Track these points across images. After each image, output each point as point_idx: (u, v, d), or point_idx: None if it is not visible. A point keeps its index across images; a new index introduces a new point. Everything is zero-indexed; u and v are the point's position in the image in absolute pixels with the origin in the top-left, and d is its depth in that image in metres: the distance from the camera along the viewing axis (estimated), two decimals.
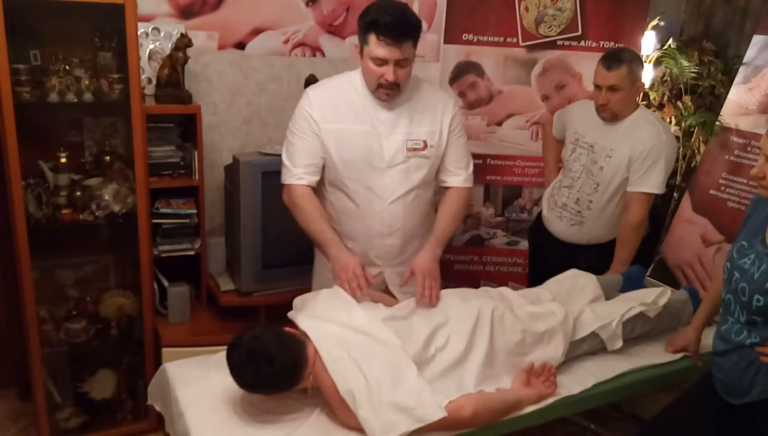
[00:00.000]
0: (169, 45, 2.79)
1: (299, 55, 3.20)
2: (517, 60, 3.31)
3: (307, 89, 2.18)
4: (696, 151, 3.30)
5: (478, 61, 3.32)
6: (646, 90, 3.34)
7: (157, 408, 2.04)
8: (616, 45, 3.15)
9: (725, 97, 3.11)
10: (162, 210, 2.76)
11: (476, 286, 2.45)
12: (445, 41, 3.31)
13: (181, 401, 1.85)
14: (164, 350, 2.65)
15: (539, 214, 2.94)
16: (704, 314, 2.16)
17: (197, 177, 2.77)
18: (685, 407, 1.93)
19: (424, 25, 3.37)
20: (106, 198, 2.50)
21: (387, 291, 2.26)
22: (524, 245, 3.41)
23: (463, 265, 3.57)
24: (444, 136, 2.20)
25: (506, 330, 2.01)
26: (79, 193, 2.50)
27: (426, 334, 1.91)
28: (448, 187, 2.29)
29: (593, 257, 2.65)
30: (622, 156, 2.53)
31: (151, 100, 2.75)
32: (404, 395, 1.72)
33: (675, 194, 3.32)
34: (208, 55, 3.00)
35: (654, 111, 3.26)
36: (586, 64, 3.13)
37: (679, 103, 3.33)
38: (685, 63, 3.23)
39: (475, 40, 3.28)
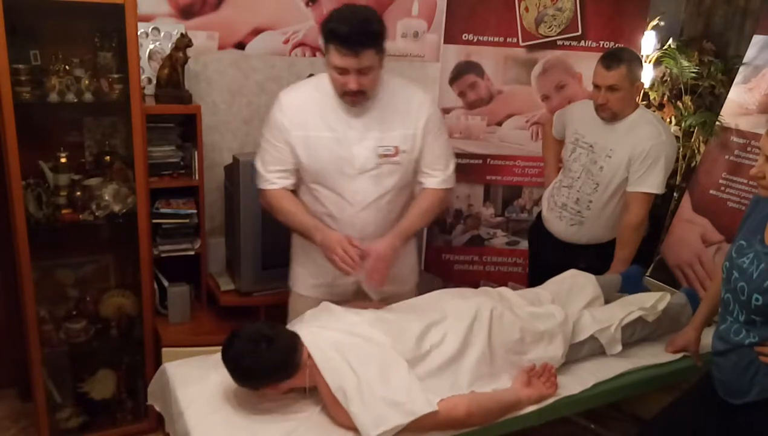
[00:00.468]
0: (169, 45, 2.79)
1: (299, 55, 3.19)
2: (517, 60, 3.32)
3: (280, 93, 2.15)
4: (696, 151, 3.30)
5: (478, 61, 3.32)
6: (646, 90, 3.34)
7: (157, 408, 2.05)
8: (616, 45, 3.15)
9: (725, 97, 3.11)
10: (162, 210, 2.76)
11: (476, 286, 2.46)
12: (445, 41, 3.31)
13: (181, 401, 1.85)
14: (164, 350, 2.66)
15: (539, 214, 2.94)
16: (704, 313, 2.16)
17: (197, 177, 2.77)
18: (685, 407, 1.93)
19: (425, 25, 3.38)
20: (106, 198, 2.50)
21: (362, 295, 2.23)
22: (524, 245, 3.41)
23: (463, 265, 3.57)
24: (418, 139, 2.13)
25: (505, 329, 2.01)
26: (79, 193, 2.50)
27: (419, 330, 1.92)
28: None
29: (593, 257, 2.64)
30: (622, 156, 2.53)
31: (151, 100, 2.75)
32: (395, 390, 1.73)
33: (675, 194, 3.32)
34: (208, 55, 3.00)
35: (654, 111, 3.26)
36: (586, 64, 3.13)
37: (679, 103, 3.33)
38: (685, 63, 3.23)
39: (475, 40, 3.28)
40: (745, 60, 3.06)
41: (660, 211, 3.26)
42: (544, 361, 2.03)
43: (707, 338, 1.95)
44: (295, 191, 2.19)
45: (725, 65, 3.25)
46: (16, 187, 2.32)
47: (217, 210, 3.13)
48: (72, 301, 2.68)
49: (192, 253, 2.84)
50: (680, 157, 3.28)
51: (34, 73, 2.37)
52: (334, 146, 2.08)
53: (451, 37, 3.29)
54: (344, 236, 2.04)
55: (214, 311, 2.92)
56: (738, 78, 3.07)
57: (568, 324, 2.10)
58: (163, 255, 2.78)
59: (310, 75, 2.97)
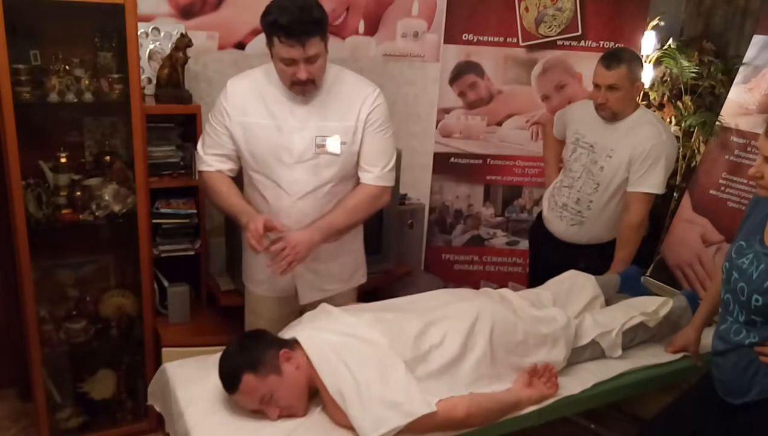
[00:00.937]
0: (169, 45, 2.79)
1: None
2: (517, 60, 3.32)
3: (228, 81, 2.15)
4: (696, 151, 3.31)
5: (478, 61, 3.32)
6: (646, 90, 3.35)
7: (157, 408, 2.05)
8: (616, 45, 3.15)
9: (725, 97, 3.11)
10: (162, 210, 2.76)
11: (476, 286, 2.46)
12: (445, 41, 3.31)
13: (181, 401, 1.85)
14: (164, 350, 2.65)
15: (539, 214, 2.94)
16: (704, 313, 2.16)
17: (197, 177, 2.76)
18: (685, 407, 1.93)
19: (425, 24, 3.39)
20: (106, 198, 2.50)
21: (295, 289, 2.23)
22: (524, 245, 3.42)
23: (463, 265, 3.57)
24: (359, 132, 2.10)
25: (507, 331, 2.00)
26: (79, 193, 2.49)
27: (417, 328, 1.91)
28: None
29: (593, 257, 2.65)
30: (623, 156, 2.53)
31: (151, 100, 2.75)
32: (393, 391, 1.72)
33: (675, 194, 3.32)
34: (208, 55, 3.00)
35: (654, 111, 3.26)
36: (586, 64, 3.13)
37: (679, 103, 3.33)
38: (685, 63, 3.23)
39: (475, 40, 3.29)
40: (745, 60, 3.06)
41: (660, 211, 3.26)
42: (546, 363, 2.03)
43: (707, 338, 1.95)
44: (235, 179, 2.19)
45: (725, 65, 3.25)
46: (16, 188, 2.32)
47: (217, 210, 3.12)
48: (72, 301, 2.68)
49: (192, 253, 2.84)
50: (680, 157, 3.28)
51: (34, 73, 2.37)
52: (273, 134, 2.07)
53: (451, 37, 3.29)
54: (268, 217, 2.01)
55: (214, 311, 2.92)
56: (738, 78, 3.07)
57: (570, 328, 2.10)
58: (163, 255, 2.78)
59: None
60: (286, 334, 1.94)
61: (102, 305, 2.66)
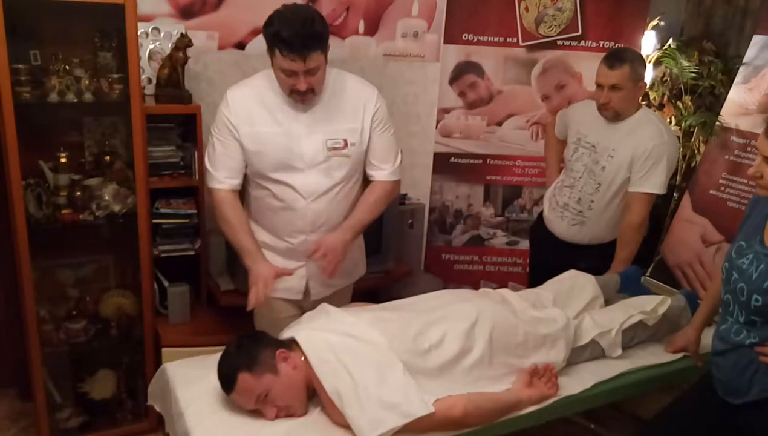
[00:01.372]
0: (169, 45, 2.79)
1: None
2: (517, 60, 3.32)
3: (227, 91, 2.17)
4: (696, 151, 3.31)
5: (478, 61, 3.32)
6: (646, 90, 3.34)
7: (157, 408, 2.05)
8: (616, 45, 3.15)
9: (725, 97, 3.12)
10: (162, 210, 2.75)
11: (476, 286, 2.46)
12: (445, 41, 3.31)
13: (181, 401, 1.85)
14: (164, 350, 2.65)
15: (540, 214, 2.94)
16: (704, 313, 2.16)
17: (197, 177, 2.77)
18: (685, 407, 1.94)
19: (425, 24, 3.38)
20: (106, 198, 2.50)
21: (307, 287, 2.27)
22: (524, 245, 3.42)
23: (463, 265, 3.57)
24: (366, 132, 2.18)
25: (507, 332, 2.00)
26: (79, 193, 2.49)
27: (417, 328, 1.91)
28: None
29: (594, 257, 2.64)
30: (624, 156, 2.53)
31: (151, 100, 2.75)
32: (390, 391, 1.72)
33: (675, 194, 3.32)
34: (208, 55, 3.00)
35: (654, 111, 3.26)
36: (586, 64, 3.14)
37: (679, 103, 3.33)
38: (685, 63, 3.23)
39: (475, 40, 3.29)
40: (745, 60, 3.06)
41: (660, 212, 3.26)
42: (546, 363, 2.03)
43: (707, 338, 1.95)
44: (243, 189, 2.23)
45: (725, 65, 3.25)
46: (16, 188, 2.32)
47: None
48: (72, 301, 2.67)
49: (192, 253, 2.84)
50: (680, 157, 3.28)
51: (34, 73, 2.36)
52: (283, 141, 2.11)
53: (451, 37, 3.29)
54: (273, 270, 2.09)
55: (214, 311, 2.91)
56: (738, 78, 3.07)
57: (570, 329, 2.10)
58: (163, 255, 2.78)
59: None
60: (285, 334, 1.94)
61: (102, 305, 2.66)
